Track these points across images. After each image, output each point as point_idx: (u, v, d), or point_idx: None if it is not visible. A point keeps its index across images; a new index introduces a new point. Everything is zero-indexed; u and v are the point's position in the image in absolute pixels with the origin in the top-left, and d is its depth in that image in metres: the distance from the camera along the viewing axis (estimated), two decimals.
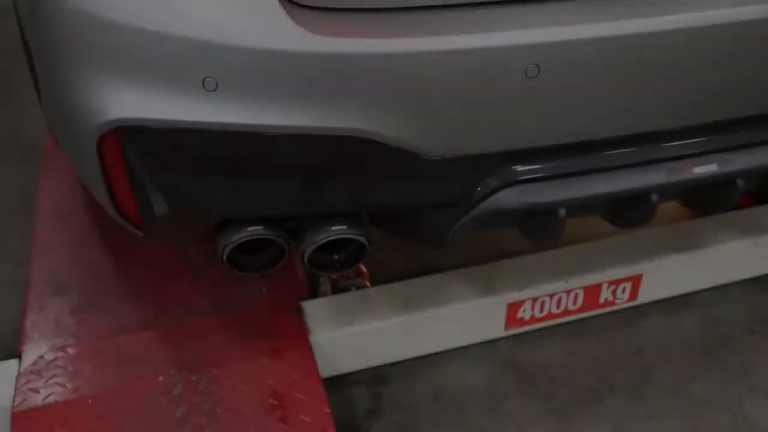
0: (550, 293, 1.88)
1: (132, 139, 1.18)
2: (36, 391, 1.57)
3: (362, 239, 1.32)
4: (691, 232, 2.04)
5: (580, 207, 1.33)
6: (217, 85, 1.10)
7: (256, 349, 1.68)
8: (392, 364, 1.87)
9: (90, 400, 1.55)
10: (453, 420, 1.74)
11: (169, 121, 1.13)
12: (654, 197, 1.34)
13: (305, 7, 1.11)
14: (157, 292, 1.84)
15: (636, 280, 1.96)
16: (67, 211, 2.10)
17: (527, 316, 1.91)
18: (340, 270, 1.41)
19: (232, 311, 1.78)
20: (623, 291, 1.97)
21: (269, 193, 1.23)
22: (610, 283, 1.93)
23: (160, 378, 1.61)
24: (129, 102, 1.13)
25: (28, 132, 2.88)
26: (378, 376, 1.85)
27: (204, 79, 1.10)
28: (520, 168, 1.27)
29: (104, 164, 1.24)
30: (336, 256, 1.38)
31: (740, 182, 1.38)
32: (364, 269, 1.97)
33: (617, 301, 1.98)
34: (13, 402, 1.54)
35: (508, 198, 1.27)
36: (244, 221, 1.28)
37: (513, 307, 1.87)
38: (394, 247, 2.14)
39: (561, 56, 1.13)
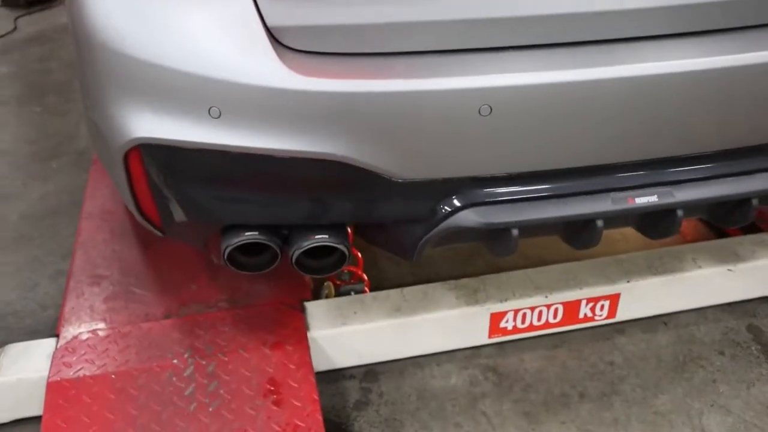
0: (531, 306, 2.06)
1: (151, 155, 1.42)
2: (69, 365, 1.83)
3: (342, 248, 1.53)
4: (670, 256, 2.19)
5: (531, 228, 1.52)
6: (220, 113, 1.34)
7: (260, 341, 1.90)
8: (384, 363, 2.07)
9: (113, 376, 1.80)
10: (432, 416, 1.93)
11: (181, 141, 1.37)
12: (599, 223, 1.52)
13: (293, 50, 1.33)
14: (179, 286, 2.08)
15: (614, 299, 2.12)
16: (108, 211, 2.37)
17: (510, 326, 2.09)
18: (324, 273, 1.62)
19: (243, 306, 2.01)
20: (602, 308, 2.13)
21: (264, 204, 1.46)
22: (589, 300, 2.10)
23: (175, 361, 1.85)
24: (149, 124, 1.37)
25: (82, 139, 3.19)
26: (370, 372, 2.06)
27: (210, 108, 1.33)
28: (478, 192, 1.47)
29: (130, 176, 1.49)
30: (322, 261, 1.60)
31: (680, 212, 1.55)
32: (365, 277, 2.19)
33: (596, 318, 2.15)
34: (49, 374, 1.80)
35: (468, 218, 1.47)
36: (244, 227, 1.51)
37: (496, 317, 2.05)
38: (396, 258, 2.35)
39: (510, 98, 1.33)
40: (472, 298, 2.05)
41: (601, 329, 2.19)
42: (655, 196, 1.52)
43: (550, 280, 2.10)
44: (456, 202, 1.47)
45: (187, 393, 1.78)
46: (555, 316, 2.11)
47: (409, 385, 2.02)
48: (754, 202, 1.59)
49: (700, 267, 2.16)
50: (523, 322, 2.09)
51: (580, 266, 2.16)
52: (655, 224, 1.60)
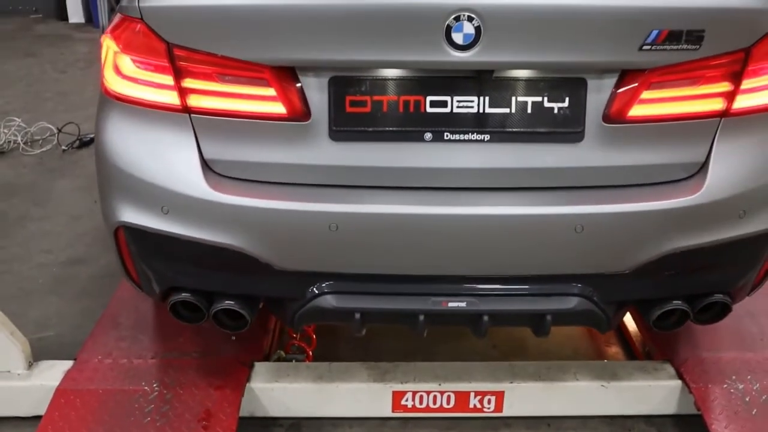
0: (427, 390, 2.58)
1: (129, 234, 2.15)
2: (74, 380, 2.55)
3: (243, 312, 2.17)
4: (556, 368, 2.65)
5: (371, 315, 2.10)
6: (168, 211, 2.06)
7: (210, 383, 2.55)
8: (308, 419, 2.64)
9: (101, 391, 2.50)
10: None
11: (145, 227, 2.09)
12: (421, 318, 2.08)
13: (216, 173, 2.04)
14: (169, 337, 2.77)
15: (499, 396, 2.59)
16: None
17: (410, 405, 2.60)
18: (235, 330, 2.25)
19: (208, 357, 2.67)
20: (489, 402, 2.61)
21: (195, 275, 2.14)
22: (477, 393, 2.59)
23: (146, 387, 2.53)
24: (129, 213, 2.11)
25: None
26: (295, 424, 2.63)
27: (162, 206, 2.06)
28: (335, 284, 2.08)
29: (119, 247, 2.22)
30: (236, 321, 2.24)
31: (485, 318, 2.08)
32: (309, 351, 2.80)
33: (485, 410, 2.62)
34: (59, 384, 2.53)
35: (326, 301, 2.07)
36: (184, 290, 2.19)
37: (398, 395, 2.59)
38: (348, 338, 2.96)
39: (350, 221, 1.96)
40: (381, 377, 2.60)
41: (491, 421, 2.65)
42: (465, 303, 2.07)
43: (447, 372, 2.62)
44: (318, 289, 2.09)
45: (146, 410, 2.44)
46: (448, 402, 2.60)
47: None
48: (548, 318, 2.10)
49: (578, 380, 2.61)
50: (420, 402, 2.60)
51: (476, 365, 2.66)
52: (473, 326, 2.14)
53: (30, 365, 2.64)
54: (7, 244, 3.82)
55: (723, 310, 2.24)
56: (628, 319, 3.08)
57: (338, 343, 3.03)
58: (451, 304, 2.08)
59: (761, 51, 1.97)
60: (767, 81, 2.02)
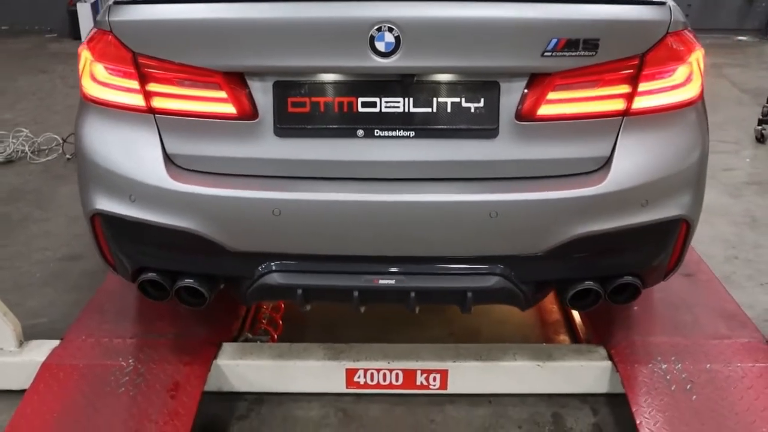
0: (377, 368, 2.83)
1: (103, 220, 2.44)
2: (59, 357, 2.83)
3: (202, 290, 2.44)
4: (497, 349, 2.89)
5: (311, 292, 2.37)
6: (135, 199, 2.34)
7: (180, 360, 2.81)
8: (271, 394, 2.90)
9: (82, 365, 2.78)
10: None
11: (116, 213, 2.38)
12: (355, 294, 2.34)
13: (177, 166, 2.33)
14: (150, 321, 3.05)
15: (444, 374, 2.84)
16: None
17: (362, 381, 2.86)
18: (196, 307, 2.53)
19: (182, 338, 2.94)
20: (434, 380, 2.85)
21: (160, 256, 2.42)
22: (423, 371, 2.84)
23: (122, 363, 2.80)
24: (102, 201, 2.40)
25: None
26: (259, 398, 2.89)
27: (130, 195, 2.34)
28: (280, 263, 2.35)
29: (95, 233, 2.51)
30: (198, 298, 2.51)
31: (413, 294, 2.34)
32: (274, 334, 3.07)
33: (431, 387, 2.86)
34: (45, 359, 2.81)
35: (273, 279, 2.35)
36: (150, 269, 2.47)
37: (350, 372, 2.84)
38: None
39: (291, 206, 2.24)
40: (335, 356, 2.86)
41: (437, 398, 2.89)
42: (394, 281, 2.33)
43: (397, 351, 2.87)
44: (266, 268, 2.37)
45: (121, 382, 2.71)
46: (397, 380, 2.86)
47: (281, 411, 2.84)
48: (469, 295, 2.35)
49: (516, 360, 2.85)
50: (371, 379, 2.85)
51: (424, 346, 2.91)
52: (403, 302, 2.39)
53: (21, 344, 2.93)
54: (9, 243, 4.14)
55: (634, 292, 2.48)
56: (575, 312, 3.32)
57: (304, 330, 3.29)
58: (381, 282, 2.34)
59: (655, 57, 2.23)
60: (662, 84, 2.27)
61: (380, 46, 2.13)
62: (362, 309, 2.48)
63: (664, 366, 2.78)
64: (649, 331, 3.00)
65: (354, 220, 2.27)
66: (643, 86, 2.26)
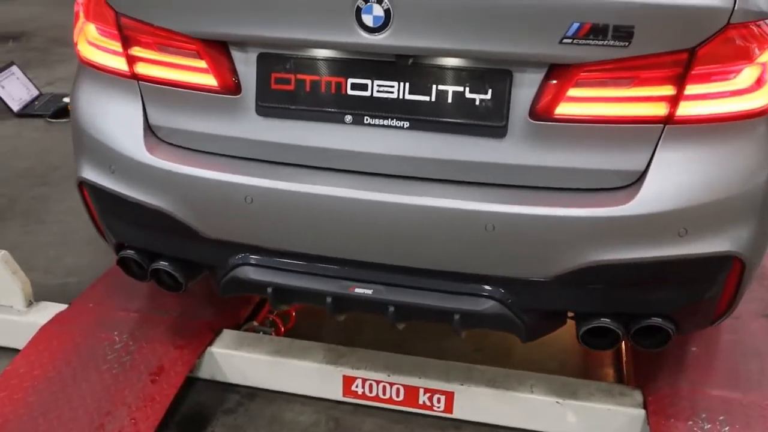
0: (376, 380, 2.56)
1: (88, 189, 2.31)
2: (60, 323, 2.77)
3: (176, 275, 2.26)
4: (514, 377, 2.54)
5: (282, 292, 2.12)
6: (114, 171, 2.19)
7: (173, 342, 2.68)
8: (263, 390, 2.70)
9: (77, 333, 2.70)
10: None
11: (97, 183, 2.24)
12: (328, 300, 2.06)
13: (159, 138, 2.15)
14: (157, 296, 2.93)
15: (449, 396, 2.53)
16: None
17: (360, 392, 2.60)
18: (173, 291, 2.35)
19: (183, 318, 2.80)
20: (438, 401, 2.55)
21: (133, 233, 2.27)
22: (426, 390, 2.54)
23: (116, 337, 2.70)
24: (87, 170, 2.27)
25: None
26: (252, 393, 2.71)
27: (110, 166, 2.20)
28: (253, 257, 2.12)
29: (84, 201, 2.39)
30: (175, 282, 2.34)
31: (391, 308, 2.03)
32: (281, 326, 2.87)
33: (435, 408, 2.56)
34: (46, 322, 2.76)
35: (244, 272, 2.12)
36: (128, 247, 2.32)
37: (348, 380, 2.59)
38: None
39: (264, 194, 2.00)
40: (334, 360, 2.61)
41: (442, 421, 2.58)
42: (371, 291, 2.03)
43: (400, 364, 2.59)
44: (239, 260, 2.14)
45: (108, 358, 2.61)
46: (398, 395, 2.57)
47: (270, 410, 2.64)
48: (456, 317, 2.01)
49: (533, 392, 2.49)
50: (370, 391, 2.59)
51: (433, 362, 2.60)
52: (382, 315, 2.09)
53: (30, 304, 2.89)
54: (67, 198, 4.18)
55: (665, 337, 2.05)
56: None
57: (320, 327, 3.06)
58: (357, 290, 2.06)
59: (709, 53, 1.79)
60: (719, 88, 1.83)
61: (368, 19, 1.83)
62: (341, 317, 2.22)
63: (707, 426, 2.33)
64: (701, 379, 2.53)
65: (331, 217, 2.00)
66: (691, 89, 1.83)
